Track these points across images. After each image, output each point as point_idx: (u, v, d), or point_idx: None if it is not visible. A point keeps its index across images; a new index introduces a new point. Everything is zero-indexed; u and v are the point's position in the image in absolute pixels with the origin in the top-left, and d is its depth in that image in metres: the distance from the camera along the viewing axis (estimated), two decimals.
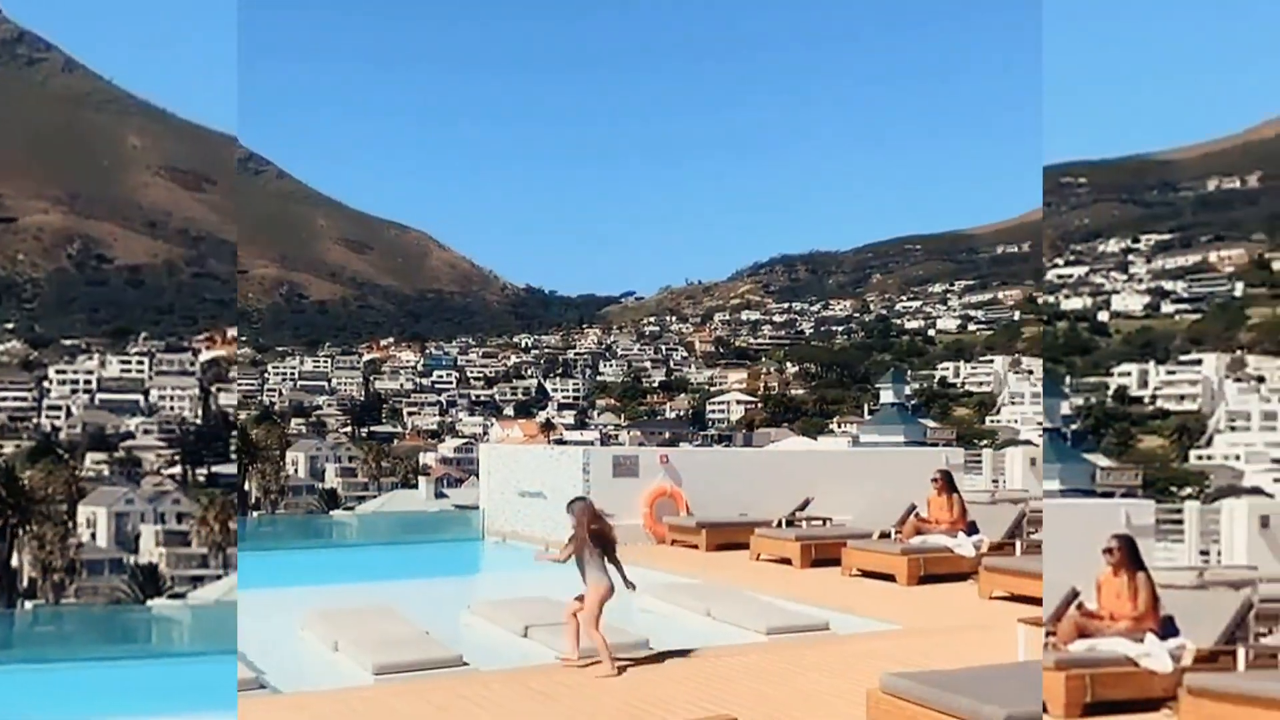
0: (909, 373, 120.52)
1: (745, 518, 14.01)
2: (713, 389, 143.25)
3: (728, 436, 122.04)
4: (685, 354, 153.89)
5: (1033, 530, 12.71)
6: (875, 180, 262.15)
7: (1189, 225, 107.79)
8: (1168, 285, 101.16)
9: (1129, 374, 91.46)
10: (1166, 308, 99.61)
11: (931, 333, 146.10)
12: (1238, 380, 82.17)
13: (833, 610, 9.31)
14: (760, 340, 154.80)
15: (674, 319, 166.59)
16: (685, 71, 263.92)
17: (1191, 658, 6.74)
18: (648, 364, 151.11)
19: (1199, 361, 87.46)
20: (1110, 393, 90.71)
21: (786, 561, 12.54)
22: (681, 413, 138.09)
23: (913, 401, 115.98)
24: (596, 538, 7.12)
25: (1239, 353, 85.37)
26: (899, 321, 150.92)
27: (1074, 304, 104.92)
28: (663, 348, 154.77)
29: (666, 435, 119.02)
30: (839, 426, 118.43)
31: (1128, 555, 7.11)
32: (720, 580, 11.12)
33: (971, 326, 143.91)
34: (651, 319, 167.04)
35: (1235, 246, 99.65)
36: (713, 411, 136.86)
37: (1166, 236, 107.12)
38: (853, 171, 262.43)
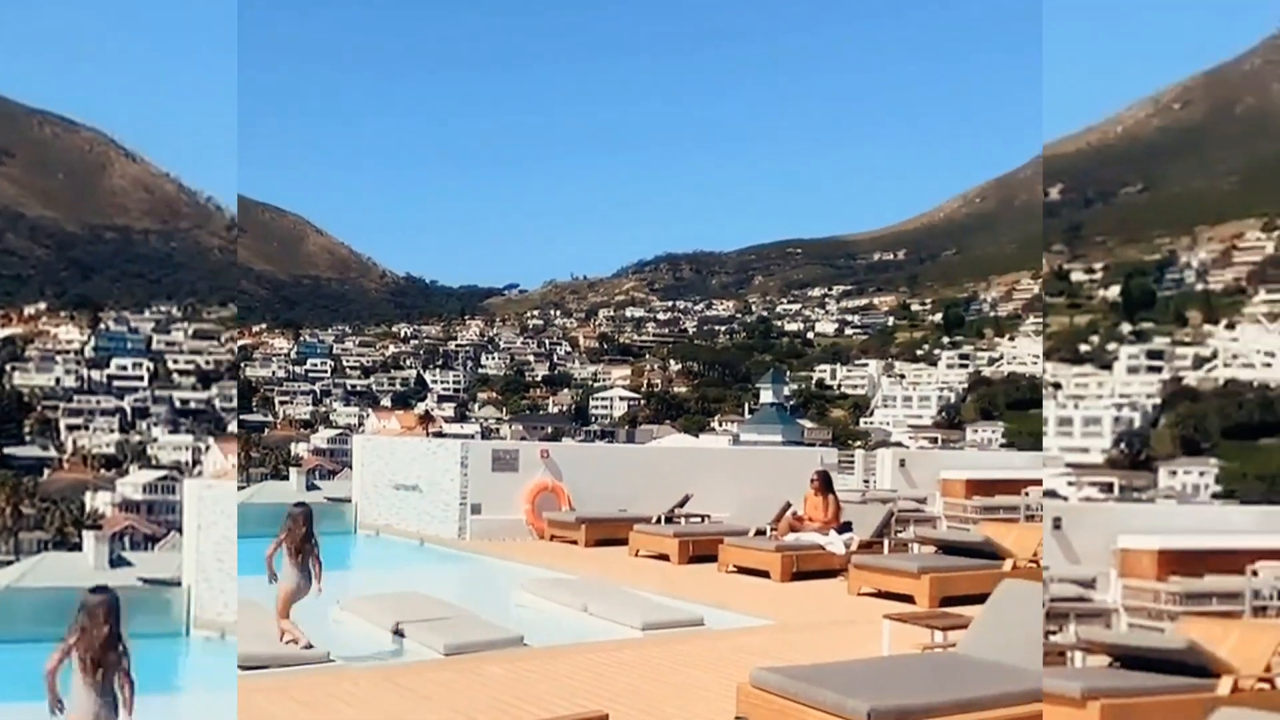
0: (788, 374, 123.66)
1: (625, 514, 14.07)
2: (596, 385, 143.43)
3: (611, 433, 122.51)
4: (569, 349, 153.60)
5: (900, 529, 13.17)
6: (759, 183, 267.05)
7: (862, 281, 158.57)
8: (848, 317, 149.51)
9: (825, 371, 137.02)
10: (848, 331, 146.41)
11: (810, 335, 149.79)
12: (888, 377, 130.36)
13: (708, 606, 9.43)
14: (644, 337, 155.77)
15: (558, 313, 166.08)
16: (573, 68, 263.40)
17: (857, 545, 11.56)
18: (531, 358, 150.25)
19: (866, 365, 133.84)
20: (814, 382, 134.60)
21: (665, 557, 12.65)
22: (564, 408, 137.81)
23: (791, 402, 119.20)
24: (302, 542, 7.34)
25: (890, 360, 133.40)
26: (779, 323, 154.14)
27: (793, 327, 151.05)
28: (546, 342, 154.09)
29: (549, 430, 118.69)
30: (720, 425, 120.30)
31: (823, 482, 12.15)
32: (598, 576, 11.13)
33: (848, 331, 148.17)
34: (535, 312, 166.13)
35: (889, 295, 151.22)
36: (596, 407, 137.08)
37: (849, 288, 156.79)
38: (737, 173, 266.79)
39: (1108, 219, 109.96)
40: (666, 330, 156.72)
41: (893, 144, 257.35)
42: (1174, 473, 71.92)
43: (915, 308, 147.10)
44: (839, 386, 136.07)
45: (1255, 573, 9.67)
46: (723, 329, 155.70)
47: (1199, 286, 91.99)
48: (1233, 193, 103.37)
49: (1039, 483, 16.48)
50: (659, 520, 13.49)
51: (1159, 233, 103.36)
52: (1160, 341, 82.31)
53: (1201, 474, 71.10)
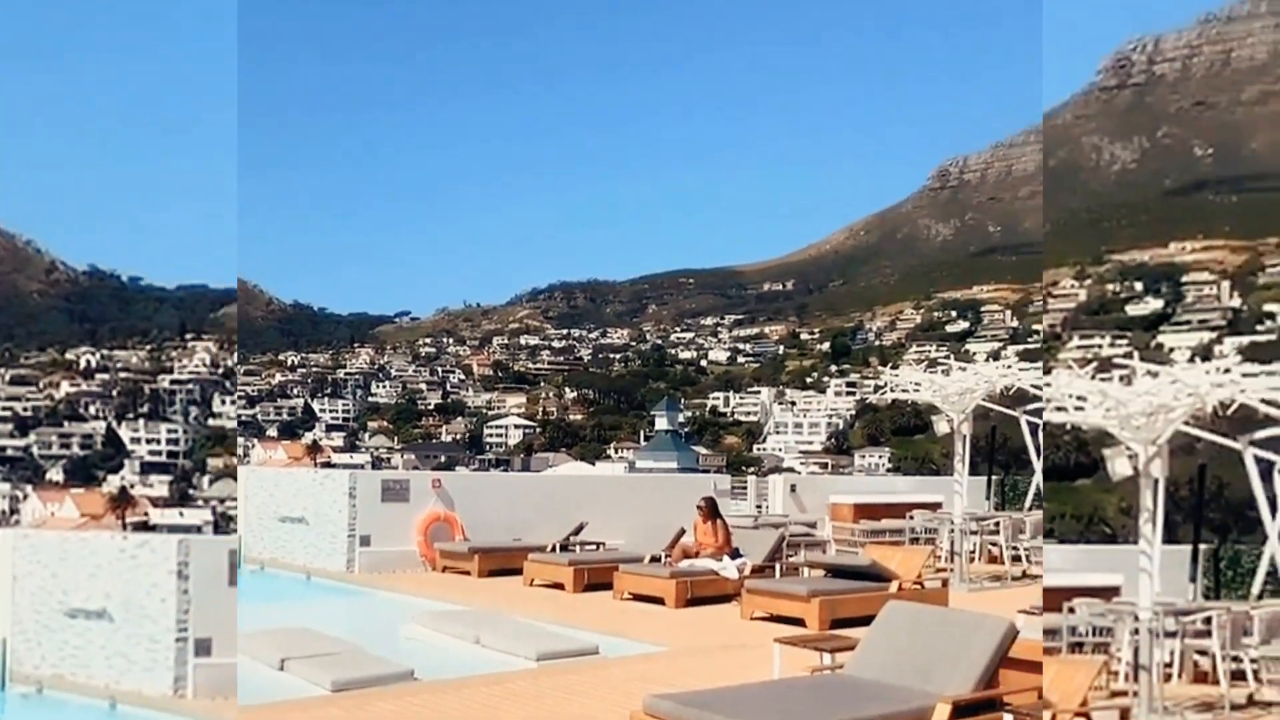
0: (682, 401, 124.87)
1: (520, 543, 13.96)
2: (490, 413, 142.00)
3: (506, 461, 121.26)
4: (463, 377, 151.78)
5: (791, 553, 13.41)
6: (651, 213, 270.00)
7: (753, 310, 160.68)
8: (740, 346, 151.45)
9: (719, 398, 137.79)
10: (740, 359, 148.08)
11: (704, 363, 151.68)
12: (780, 404, 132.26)
13: (603, 634, 9.41)
14: (539, 365, 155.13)
15: (451, 341, 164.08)
16: (464, 99, 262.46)
17: (750, 570, 11.75)
18: (423, 386, 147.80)
19: (758, 392, 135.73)
20: (708, 409, 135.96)
21: (560, 586, 12.58)
22: (458, 436, 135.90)
23: (686, 429, 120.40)
24: None
25: (781, 388, 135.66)
26: (673, 351, 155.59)
27: (687, 355, 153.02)
28: (439, 370, 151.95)
29: (442, 459, 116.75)
30: (616, 452, 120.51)
31: (710, 508, 12.36)
32: (491, 606, 10.99)
33: (740, 359, 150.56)
34: (428, 340, 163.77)
35: (779, 324, 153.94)
36: (490, 436, 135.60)
37: (740, 317, 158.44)
38: (630, 203, 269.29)
39: (822, 301, 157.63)
40: (561, 358, 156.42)
41: (780, 177, 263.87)
42: (863, 456, 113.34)
43: (804, 337, 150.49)
44: (732, 414, 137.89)
45: (912, 517, 15.96)
46: (617, 357, 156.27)
47: (876, 343, 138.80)
48: (895, 285, 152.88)
49: (924, 506, 17.03)
50: (554, 549, 13.42)
51: (852, 310, 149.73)
52: (854, 377, 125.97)
53: (879, 456, 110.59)
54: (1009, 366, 14.95)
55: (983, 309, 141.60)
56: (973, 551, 14.52)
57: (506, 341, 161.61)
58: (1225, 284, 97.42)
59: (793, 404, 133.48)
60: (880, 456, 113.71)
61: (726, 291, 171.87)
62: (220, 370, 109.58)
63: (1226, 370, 8.78)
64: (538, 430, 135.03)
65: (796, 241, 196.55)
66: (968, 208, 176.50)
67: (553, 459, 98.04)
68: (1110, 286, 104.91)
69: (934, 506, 16.90)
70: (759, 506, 19.34)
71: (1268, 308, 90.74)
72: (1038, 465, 17.16)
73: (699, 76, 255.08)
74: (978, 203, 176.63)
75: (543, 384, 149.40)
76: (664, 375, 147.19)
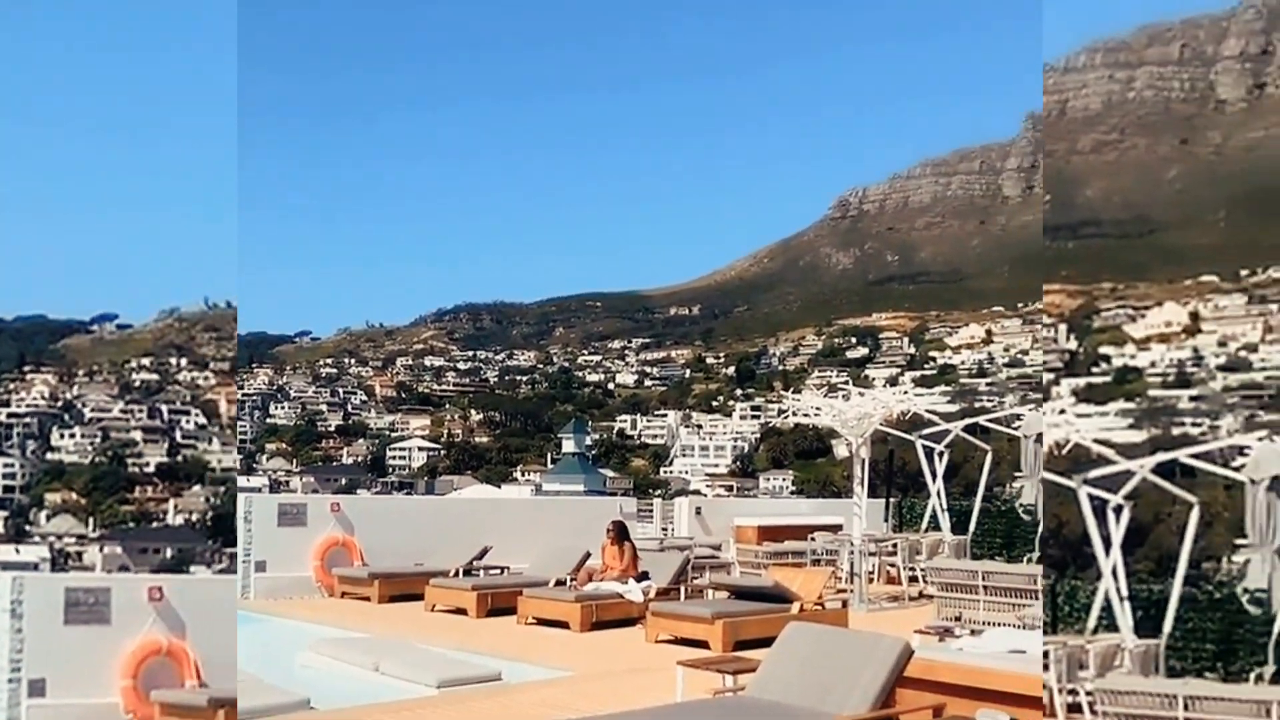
0: (589, 424, 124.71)
1: (421, 567, 13.73)
2: (394, 435, 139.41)
3: (409, 484, 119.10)
4: (365, 398, 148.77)
5: (696, 576, 13.51)
6: (559, 236, 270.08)
7: (660, 334, 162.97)
8: (648, 369, 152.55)
9: (626, 421, 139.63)
10: (647, 382, 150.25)
11: (611, 386, 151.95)
12: (686, 427, 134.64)
13: (506, 659, 9.31)
14: (444, 387, 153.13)
15: (353, 361, 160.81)
16: (371, 117, 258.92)
17: (655, 592, 11.82)
18: (324, 407, 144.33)
19: (665, 415, 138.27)
20: (615, 432, 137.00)
21: (462, 611, 12.41)
22: (360, 459, 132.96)
23: (593, 452, 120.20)
24: None
25: (687, 411, 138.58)
26: (581, 374, 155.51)
27: (594, 377, 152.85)
28: (340, 391, 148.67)
29: (343, 482, 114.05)
30: (523, 475, 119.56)
31: (618, 532, 12.38)
32: (392, 633, 10.78)
33: (648, 382, 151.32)
34: (329, 360, 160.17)
35: (685, 348, 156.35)
36: (393, 458, 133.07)
37: (647, 340, 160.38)
38: (537, 226, 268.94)
39: (727, 327, 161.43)
40: (467, 380, 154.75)
41: (686, 204, 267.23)
42: (768, 479, 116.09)
43: (710, 361, 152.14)
44: (639, 436, 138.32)
45: (813, 539, 16.34)
46: (524, 379, 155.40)
47: (779, 368, 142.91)
48: (797, 312, 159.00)
49: (825, 528, 17.35)
50: (456, 573, 13.23)
51: (756, 335, 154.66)
52: (759, 401, 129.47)
53: (783, 479, 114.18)
54: (905, 392, 15.40)
55: (881, 336, 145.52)
56: (871, 572, 14.84)
57: (411, 362, 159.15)
58: (906, 339, 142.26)
59: (699, 427, 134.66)
60: (784, 479, 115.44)
61: (634, 315, 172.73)
62: (60, 403, 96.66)
63: (906, 393, 14.48)
64: (442, 453, 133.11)
65: (702, 267, 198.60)
66: (867, 237, 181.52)
67: (457, 482, 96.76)
68: (837, 340, 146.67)
69: (835, 528, 17.23)
70: (665, 529, 19.42)
71: (931, 354, 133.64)
72: (934, 488, 17.65)
73: (610, 103, 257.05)
74: (876, 232, 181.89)
75: (448, 406, 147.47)
76: (571, 398, 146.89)
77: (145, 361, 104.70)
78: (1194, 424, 74.94)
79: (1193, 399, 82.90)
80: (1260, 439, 10.71)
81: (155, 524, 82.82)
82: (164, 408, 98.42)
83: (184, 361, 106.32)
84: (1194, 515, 11.46)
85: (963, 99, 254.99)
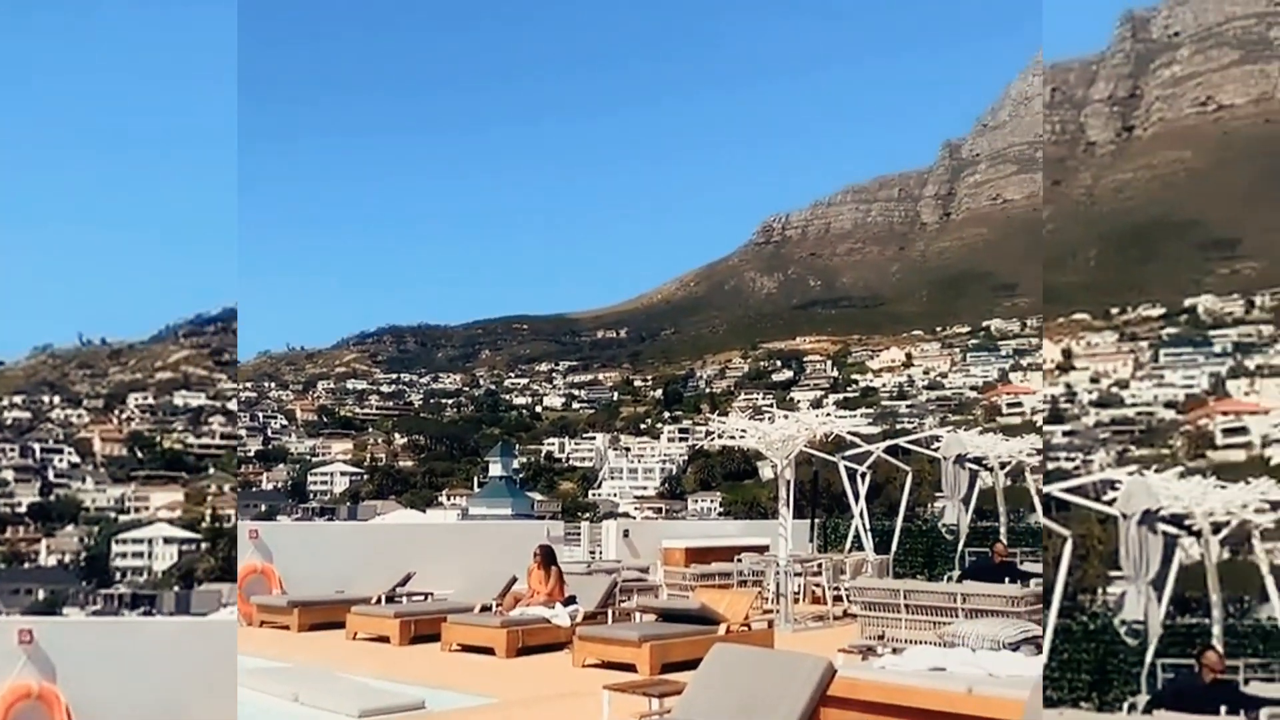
0: (517, 447, 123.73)
1: (342, 594, 13.44)
2: (315, 459, 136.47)
3: (331, 509, 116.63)
4: (285, 422, 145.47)
5: (624, 599, 13.48)
6: (484, 259, 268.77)
7: (587, 357, 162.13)
8: (575, 392, 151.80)
9: (554, 444, 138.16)
10: (575, 405, 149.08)
11: (539, 409, 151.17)
12: (615, 449, 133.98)
13: (430, 687, 9.16)
14: (367, 410, 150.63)
15: (273, 385, 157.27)
16: (292, 139, 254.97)
17: (582, 616, 11.69)
18: (243, 432, 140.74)
19: (593, 438, 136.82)
20: (543, 455, 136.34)
21: (385, 639, 12.18)
22: (280, 484, 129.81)
23: (520, 475, 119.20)
24: None
25: (615, 433, 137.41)
26: (508, 397, 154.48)
27: (521, 400, 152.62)
28: (259, 415, 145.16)
29: (262, 508, 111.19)
30: (448, 499, 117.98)
31: (545, 556, 12.22)
32: (312, 662, 10.53)
33: (575, 405, 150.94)
34: (248, 384, 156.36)
35: (613, 371, 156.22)
36: (315, 483, 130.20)
37: (574, 363, 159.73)
38: (461, 249, 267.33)
39: (655, 348, 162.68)
40: (391, 403, 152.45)
41: (612, 228, 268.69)
42: (696, 501, 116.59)
43: (638, 383, 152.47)
44: (567, 459, 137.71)
45: (740, 560, 16.43)
46: (450, 402, 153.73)
47: (707, 390, 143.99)
48: (723, 335, 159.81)
49: (751, 549, 17.47)
50: (379, 600, 12.99)
51: (683, 358, 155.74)
52: (686, 423, 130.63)
53: (711, 501, 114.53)
54: (828, 414, 15.64)
55: (805, 359, 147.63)
56: (797, 593, 14.97)
57: (332, 386, 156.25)
58: (829, 362, 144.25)
59: (627, 450, 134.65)
60: (712, 501, 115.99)
61: (561, 338, 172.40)
62: None
63: (829, 415, 15.61)
64: (365, 477, 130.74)
65: (629, 291, 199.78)
66: (790, 262, 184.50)
67: (381, 507, 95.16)
68: (762, 363, 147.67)
69: (761, 549, 17.37)
70: (592, 552, 19.35)
71: (854, 376, 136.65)
72: (856, 509, 17.92)
73: (537, 129, 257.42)
74: (799, 257, 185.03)
75: (371, 430, 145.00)
76: (498, 421, 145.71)
77: (16, 399, 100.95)
78: (910, 421, 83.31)
79: (909, 407, 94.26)
80: (949, 431, 15.45)
81: (26, 565, 79.56)
82: (36, 446, 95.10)
83: (56, 399, 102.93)
84: (909, 479, 18.11)
85: (882, 127, 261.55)
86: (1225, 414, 70.35)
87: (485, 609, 12.09)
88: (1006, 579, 12.52)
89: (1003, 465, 18.05)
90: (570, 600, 12.04)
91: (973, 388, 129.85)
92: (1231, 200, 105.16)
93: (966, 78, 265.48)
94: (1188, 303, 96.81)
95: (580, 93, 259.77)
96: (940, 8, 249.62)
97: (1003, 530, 18.10)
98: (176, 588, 74.70)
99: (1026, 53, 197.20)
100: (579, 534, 20.29)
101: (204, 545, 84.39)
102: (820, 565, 15.74)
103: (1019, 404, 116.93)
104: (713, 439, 16.57)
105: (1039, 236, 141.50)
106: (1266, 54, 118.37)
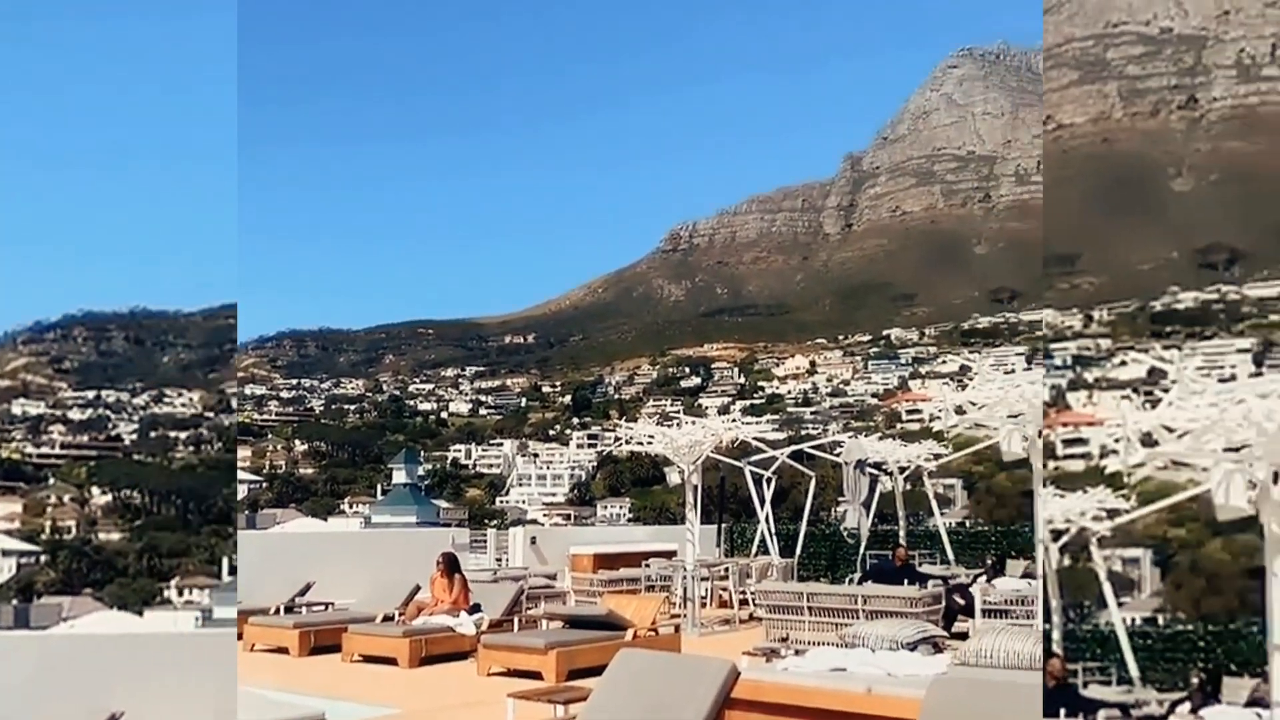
0: (422, 454, 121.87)
1: (240, 605, 13.05)
2: None
3: None
4: None
5: (531, 606, 13.39)
6: (387, 264, 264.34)
7: (494, 363, 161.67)
8: (482, 398, 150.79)
9: (460, 450, 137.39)
10: (482, 411, 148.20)
11: (444, 415, 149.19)
12: (523, 456, 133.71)
13: (330, 699, 8.93)
14: (266, 416, 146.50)
15: None
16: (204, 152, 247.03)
17: (487, 625, 11.53)
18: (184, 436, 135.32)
19: (501, 444, 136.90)
20: (449, 462, 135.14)
21: (284, 650, 11.86)
22: None
23: (425, 482, 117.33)
24: None
25: (524, 440, 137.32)
26: (412, 403, 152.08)
27: (426, 406, 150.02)
28: None
29: None
30: (351, 507, 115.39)
31: (448, 564, 12.02)
32: None
33: (482, 411, 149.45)
34: None
35: (521, 377, 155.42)
36: None
37: (481, 369, 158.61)
38: (363, 253, 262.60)
39: (564, 354, 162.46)
40: (291, 409, 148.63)
41: (519, 233, 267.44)
42: (605, 507, 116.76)
43: (546, 389, 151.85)
44: (474, 466, 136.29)
45: (648, 565, 16.60)
46: (352, 408, 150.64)
47: (616, 396, 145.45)
48: (632, 342, 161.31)
49: (660, 554, 17.55)
50: (277, 610, 12.64)
51: (592, 364, 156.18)
52: (595, 429, 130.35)
53: (620, 507, 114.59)
54: (734, 420, 15.84)
55: (713, 366, 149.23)
56: (704, 597, 15.10)
57: (231, 391, 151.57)
58: (736, 369, 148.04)
59: (535, 456, 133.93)
60: (621, 507, 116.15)
61: (467, 343, 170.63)
62: None
63: (734, 421, 15.91)
64: (264, 485, 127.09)
65: (536, 296, 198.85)
66: (698, 270, 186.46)
67: (280, 515, 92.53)
68: (671, 370, 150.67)
69: (669, 554, 17.47)
70: (499, 560, 19.19)
71: (760, 383, 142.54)
72: (762, 514, 18.17)
73: (446, 135, 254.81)
74: (707, 265, 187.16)
75: (270, 436, 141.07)
76: (402, 427, 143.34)
77: None
78: (814, 427, 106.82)
79: (813, 413, 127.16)
80: (850, 437, 17.50)
81: None
82: None
83: None
84: (813, 484, 20.23)
85: (786, 138, 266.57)
86: (909, 402, 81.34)
87: (388, 619, 11.88)
88: (906, 581, 12.87)
89: (902, 470, 18.54)
90: (475, 608, 11.91)
91: (874, 395, 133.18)
92: (909, 269, 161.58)
93: (868, 91, 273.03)
94: (884, 332, 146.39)
95: (490, 102, 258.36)
96: (844, 22, 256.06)
97: (902, 533, 18.59)
98: (14, 601, 70.09)
99: (925, 68, 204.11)
100: (485, 541, 20.10)
101: (43, 558, 79.59)
102: (727, 570, 15.91)
103: (918, 410, 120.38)
104: (621, 445, 16.60)
105: (936, 248, 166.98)
106: (931, 181, 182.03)
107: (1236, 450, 4.93)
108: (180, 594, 78.26)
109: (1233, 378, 6.14)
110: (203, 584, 75.16)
